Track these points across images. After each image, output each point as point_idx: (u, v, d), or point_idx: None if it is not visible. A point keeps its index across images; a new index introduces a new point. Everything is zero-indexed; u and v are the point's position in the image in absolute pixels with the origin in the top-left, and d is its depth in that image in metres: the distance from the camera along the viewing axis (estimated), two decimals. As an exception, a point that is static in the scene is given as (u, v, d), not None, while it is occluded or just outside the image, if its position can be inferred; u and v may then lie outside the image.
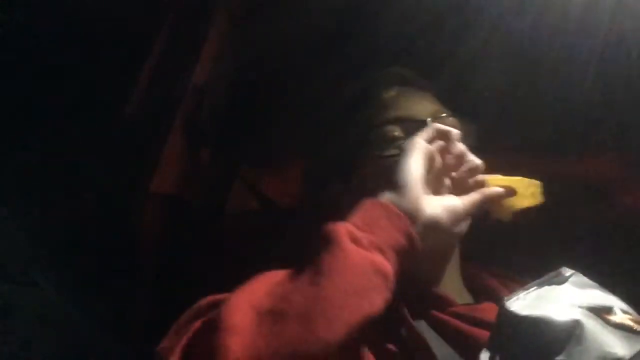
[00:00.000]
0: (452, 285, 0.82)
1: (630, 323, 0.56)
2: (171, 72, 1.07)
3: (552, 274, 0.62)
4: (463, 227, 0.74)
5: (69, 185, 0.95)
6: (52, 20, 1.02)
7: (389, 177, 0.70)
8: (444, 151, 0.74)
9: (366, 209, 0.67)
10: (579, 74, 0.96)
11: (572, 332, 0.54)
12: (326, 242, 0.62)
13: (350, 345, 0.60)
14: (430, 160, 0.72)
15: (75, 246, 0.95)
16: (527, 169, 0.78)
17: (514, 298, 0.58)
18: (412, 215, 0.67)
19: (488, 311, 0.72)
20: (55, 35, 1.02)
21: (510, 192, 0.75)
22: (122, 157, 1.02)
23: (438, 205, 0.69)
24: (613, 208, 1.02)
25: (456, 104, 0.92)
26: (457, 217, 0.70)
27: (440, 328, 0.73)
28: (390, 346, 0.69)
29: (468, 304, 0.80)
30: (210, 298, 0.68)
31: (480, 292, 0.84)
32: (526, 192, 0.75)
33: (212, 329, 0.58)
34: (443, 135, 0.74)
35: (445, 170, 0.75)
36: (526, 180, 0.76)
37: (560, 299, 0.58)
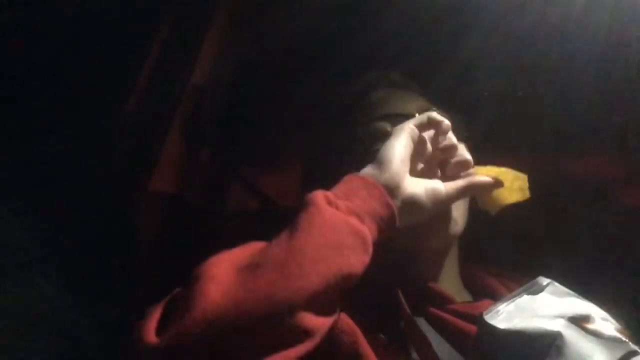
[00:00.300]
0: (450, 283, 0.82)
1: (610, 330, 0.56)
2: (171, 72, 1.07)
3: (529, 284, 0.62)
4: (443, 209, 0.76)
5: (69, 185, 0.95)
6: (52, 20, 1.02)
7: (374, 157, 0.73)
8: (434, 140, 0.75)
9: (346, 181, 0.70)
10: (579, 74, 0.96)
11: (552, 344, 0.54)
12: (305, 205, 0.65)
13: (330, 306, 0.62)
14: (419, 144, 0.74)
15: (75, 246, 0.94)
16: (527, 168, 0.78)
17: (493, 311, 0.58)
18: (390, 190, 0.69)
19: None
20: (55, 35, 1.02)
21: (497, 183, 0.75)
22: (122, 156, 1.02)
23: (418, 184, 0.71)
24: (613, 208, 1.02)
25: (456, 104, 0.92)
26: (437, 198, 0.71)
27: (439, 325, 0.73)
28: (387, 337, 0.70)
29: (467, 302, 0.80)
30: None
31: (480, 291, 0.84)
32: (513, 185, 0.76)
33: (193, 279, 0.60)
34: (435, 125, 0.75)
35: (434, 158, 0.76)
36: (512, 172, 0.77)
37: (539, 310, 0.58)
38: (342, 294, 0.63)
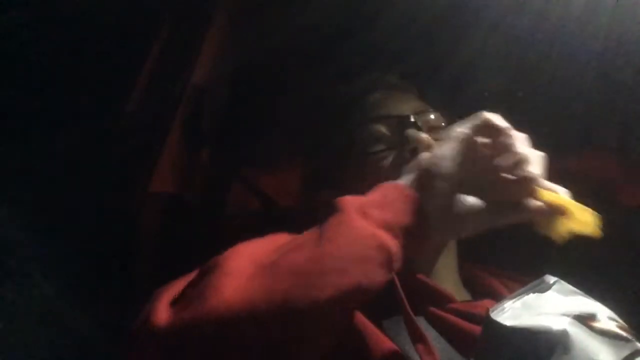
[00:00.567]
0: (450, 283, 0.82)
1: (616, 329, 0.56)
2: (171, 72, 1.07)
3: (536, 282, 0.61)
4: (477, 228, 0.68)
5: (69, 185, 0.95)
6: (52, 20, 1.02)
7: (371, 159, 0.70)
8: (493, 147, 0.66)
9: (382, 190, 0.66)
10: (579, 74, 0.96)
11: (558, 342, 0.54)
12: (334, 211, 0.62)
13: (345, 321, 0.61)
14: (471, 152, 0.65)
15: (75, 246, 0.94)
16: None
17: (499, 309, 0.58)
18: (427, 205, 0.64)
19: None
20: (55, 35, 1.02)
21: (559, 211, 0.65)
22: (122, 156, 1.02)
23: (460, 203, 0.64)
24: (613, 208, 1.02)
25: (456, 104, 0.92)
26: (478, 220, 0.65)
27: (439, 324, 0.73)
28: (387, 336, 0.70)
29: (467, 301, 0.80)
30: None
31: (480, 291, 0.84)
32: (580, 216, 0.65)
33: (210, 269, 0.60)
34: (493, 129, 0.66)
35: (492, 169, 0.66)
36: (579, 205, 0.66)
37: (545, 308, 0.58)
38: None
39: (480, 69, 1.02)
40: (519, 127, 0.70)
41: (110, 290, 0.95)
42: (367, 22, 1.05)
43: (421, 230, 0.63)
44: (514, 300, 0.59)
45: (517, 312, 0.57)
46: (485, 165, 0.66)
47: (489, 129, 0.66)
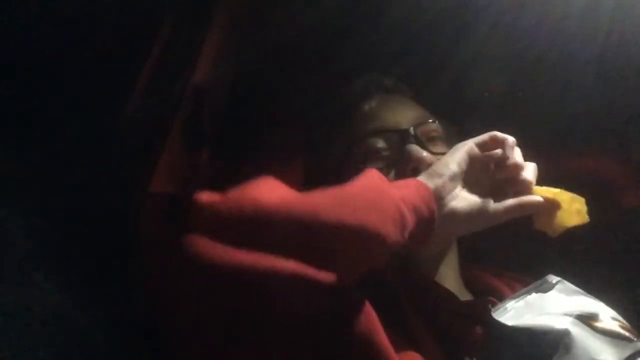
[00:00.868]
0: (451, 283, 0.83)
1: (619, 329, 0.56)
2: (171, 72, 1.06)
3: (538, 281, 0.62)
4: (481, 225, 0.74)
5: (69, 185, 0.95)
6: (51, 20, 1.02)
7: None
8: (496, 160, 0.75)
9: (398, 182, 0.70)
10: (579, 73, 0.96)
11: (560, 341, 0.54)
12: (361, 175, 0.66)
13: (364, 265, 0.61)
14: (476, 162, 0.74)
15: (75, 246, 0.94)
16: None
17: (502, 308, 0.58)
18: (438, 199, 0.69)
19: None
20: (55, 35, 1.02)
21: (554, 205, 0.73)
22: (121, 156, 1.02)
23: (464, 201, 0.71)
24: (613, 208, 1.02)
25: (455, 105, 0.92)
26: (482, 216, 0.72)
27: (440, 324, 0.73)
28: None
29: (468, 301, 0.80)
30: None
31: (481, 291, 0.84)
32: (570, 207, 0.73)
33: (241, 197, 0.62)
34: (498, 144, 0.75)
35: (494, 181, 0.75)
36: (569, 194, 0.74)
37: (548, 308, 0.58)
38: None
39: (480, 69, 1.02)
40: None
41: (110, 290, 0.95)
42: (367, 22, 1.05)
43: (429, 216, 0.67)
44: (516, 300, 0.59)
45: (520, 311, 0.58)
46: (485, 166, 0.75)
47: (492, 142, 0.75)
